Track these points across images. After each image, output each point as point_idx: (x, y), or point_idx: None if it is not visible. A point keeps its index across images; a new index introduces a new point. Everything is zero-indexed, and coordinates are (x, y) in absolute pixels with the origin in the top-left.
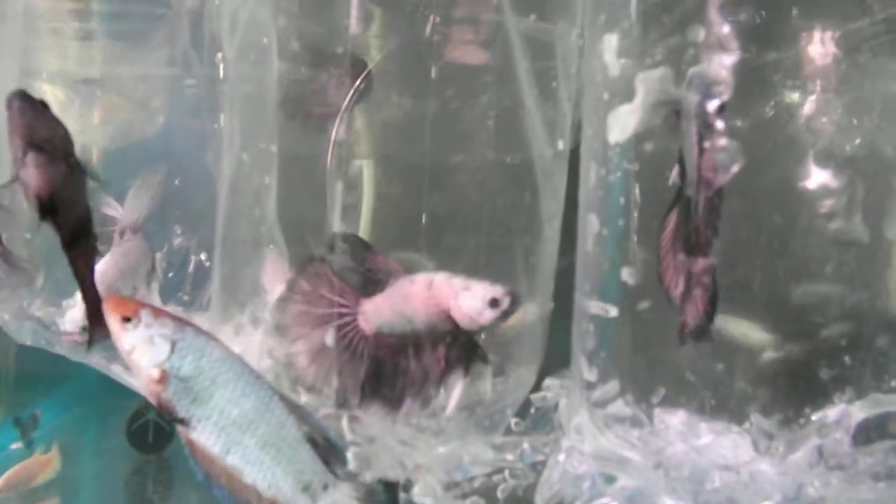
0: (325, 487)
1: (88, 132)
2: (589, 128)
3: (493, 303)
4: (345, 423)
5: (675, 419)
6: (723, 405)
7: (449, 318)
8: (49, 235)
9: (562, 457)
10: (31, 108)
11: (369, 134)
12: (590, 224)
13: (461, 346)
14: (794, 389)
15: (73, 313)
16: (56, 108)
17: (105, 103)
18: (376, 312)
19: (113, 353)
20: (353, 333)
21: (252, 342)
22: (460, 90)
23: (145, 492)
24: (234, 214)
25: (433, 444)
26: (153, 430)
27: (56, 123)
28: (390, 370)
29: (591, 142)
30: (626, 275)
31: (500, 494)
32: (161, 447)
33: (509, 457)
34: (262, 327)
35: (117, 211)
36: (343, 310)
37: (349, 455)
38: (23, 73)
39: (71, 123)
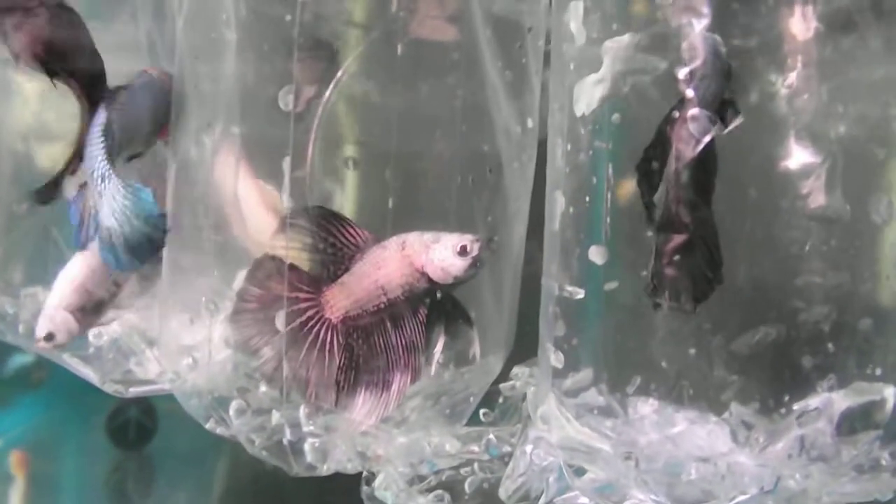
0: (103, 178)
1: (66, 122)
2: (555, 101)
3: (462, 251)
4: (302, 412)
5: (648, 408)
6: (700, 394)
7: (423, 275)
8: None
9: (528, 448)
10: None
11: (338, 117)
12: (556, 202)
13: (440, 305)
14: (774, 377)
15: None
16: (34, 99)
17: None
18: (342, 295)
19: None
20: (319, 325)
21: (208, 330)
22: (427, 68)
23: (126, 490)
24: (190, 198)
25: (394, 435)
26: (134, 427)
27: None
28: (367, 353)
29: (558, 116)
30: (595, 254)
31: (467, 488)
32: (142, 444)
33: (475, 448)
34: (220, 315)
35: None
36: (304, 304)
37: (307, 447)
38: None
39: (50, 114)
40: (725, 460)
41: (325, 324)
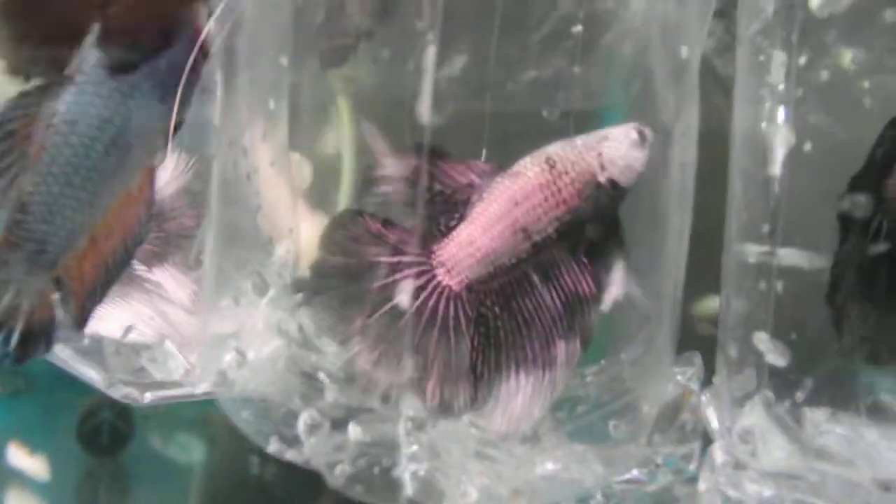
0: None
1: None
2: (771, 3)
3: (640, 137)
4: (401, 428)
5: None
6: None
7: (597, 188)
8: None
9: (720, 476)
10: None
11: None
12: (778, 141)
13: (607, 230)
14: None
15: None
16: None
17: None
18: (463, 251)
19: None
20: (436, 298)
21: (256, 314)
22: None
23: (98, 500)
24: (234, 165)
25: (534, 459)
26: (108, 430)
27: None
28: (511, 324)
29: (774, 24)
30: (850, 204)
31: None
32: (116, 450)
33: (636, 474)
34: (269, 294)
35: None
36: (409, 271)
37: (406, 476)
38: None
39: None
40: None
41: (444, 294)
